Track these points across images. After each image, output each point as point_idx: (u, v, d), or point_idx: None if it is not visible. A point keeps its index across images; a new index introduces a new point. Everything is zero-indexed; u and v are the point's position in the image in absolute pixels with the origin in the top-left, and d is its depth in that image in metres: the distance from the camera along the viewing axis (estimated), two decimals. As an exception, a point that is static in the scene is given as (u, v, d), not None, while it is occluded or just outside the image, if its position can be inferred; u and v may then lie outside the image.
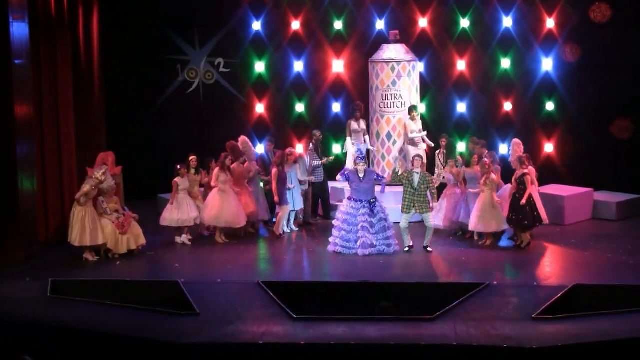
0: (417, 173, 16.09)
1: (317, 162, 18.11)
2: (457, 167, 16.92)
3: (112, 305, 13.20)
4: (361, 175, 16.17)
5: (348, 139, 18.81)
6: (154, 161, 20.11)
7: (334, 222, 16.44)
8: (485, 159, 16.50)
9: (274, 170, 17.16)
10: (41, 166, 16.81)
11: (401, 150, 18.76)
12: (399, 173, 16.38)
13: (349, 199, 16.32)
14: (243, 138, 17.84)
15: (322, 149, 18.51)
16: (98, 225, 15.62)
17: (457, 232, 17.20)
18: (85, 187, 15.66)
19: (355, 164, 16.37)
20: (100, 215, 15.77)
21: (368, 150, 18.67)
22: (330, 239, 16.27)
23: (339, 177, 16.65)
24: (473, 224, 16.43)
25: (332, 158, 18.83)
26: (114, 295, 13.56)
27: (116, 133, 19.49)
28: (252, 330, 12.02)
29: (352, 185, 16.25)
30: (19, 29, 15.56)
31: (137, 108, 20.52)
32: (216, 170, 16.90)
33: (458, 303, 12.98)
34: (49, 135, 17.10)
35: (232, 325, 12.20)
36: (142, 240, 16.18)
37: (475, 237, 16.68)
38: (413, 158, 16.45)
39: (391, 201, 17.43)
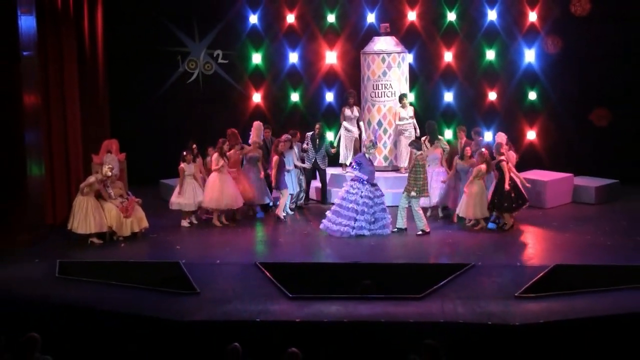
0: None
1: (306, 147, 18.10)
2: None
3: (116, 285, 13.19)
4: (370, 158, 16.26)
5: (343, 123, 18.83)
6: (156, 148, 20.12)
7: (352, 207, 16.01)
8: (483, 150, 16.48)
9: (275, 158, 17.13)
10: (49, 153, 16.80)
11: (391, 137, 18.81)
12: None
13: (364, 183, 16.04)
14: (258, 123, 17.81)
15: (321, 140, 18.42)
16: (100, 213, 15.57)
17: (438, 217, 17.21)
18: (91, 179, 15.62)
19: (366, 147, 16.34)
20: (104, 200, 15.74)
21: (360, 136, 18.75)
22: (351, 224, 15.96)
23: (349, 169, 16.55)
24: (463, 211, 16.42)
25: (334, 149, 18.82)
26: (119, 276, 13.54)
27: (120, 121, 19.50)
28: (249, 309, 12.01)
29: (367, 170, 16.09)
30: (27, 22, 15.52)
31: (140, 98, 20.49)
32: (215, 155, 16.88)
33: (445, 282, 13.00)
34: (56, 123, 17.10)
35: (230, 304, 12.20)
36: (145, 224, 16.16)
37: (467, 222, 16.64)
38: (417, 145, 16.44)
39: (382, 186, 17.42)
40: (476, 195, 16.20)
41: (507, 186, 15.95)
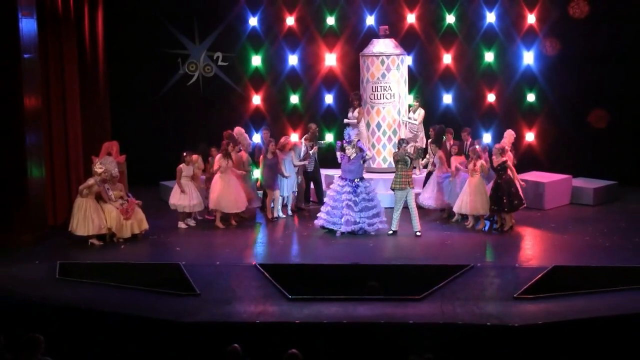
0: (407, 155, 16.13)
1: (309, 150, 18.08)
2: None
3: (116, 286, 13.19)
4: (351, 156, 16.19)
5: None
6: (156, 150, 20.07)
7: (324, 199, 16.63)
8: (477, 146, 16.55)
9: (261, 157, 17.19)
10: (49, 154, 16.79)
11: (390, 139, 18.82)
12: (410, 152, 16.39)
13: (339, 177, 16.38)
14: (238, 129, 17.83)
15: (316, 140, 18.43)
16: (99, 215, 15.55)
17: (443, 216, 17.24)
18: (90, 181, 15.62)
19: (343, 147, 16.35)
20: (104, 202, 15.72)
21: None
22: (318, 214, 16.37)
23: (338, 153, 16.66)
24: (457, 206, 16.44)
25: (324, 142, 18.84)
26: (119, 277, 13.53)
27: (120, 123, 19.49)
28: (249, 310, 12.01)
29: (342, 165, 16.29)
30: (28, 25, 15.51)
31: (140, 99, 20.47)
32: (218, 157, 16.89)
33: (444, 284, 12.98)
34: (56, 125, 17.09)
35: (230, 305, 12.20)
36: (145, 225, 16.14)
37: (467, 222, 16.65)
38: (399, 143, 16.47)
39: (381, 188, 17.41)
40: (475, 188, 16.19)
41: (522, 184, 16.15)
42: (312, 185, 18.47)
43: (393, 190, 16.20)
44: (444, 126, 17.90)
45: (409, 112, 18.82)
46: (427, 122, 18.65)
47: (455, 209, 16.64)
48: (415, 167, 17.49)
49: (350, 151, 16.20)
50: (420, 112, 18.75)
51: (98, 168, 15.65)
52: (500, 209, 16.15)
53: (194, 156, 16.89)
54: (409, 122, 18.70)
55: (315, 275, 13.85)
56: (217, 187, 16.83)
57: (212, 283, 13.29)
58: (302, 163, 17.88)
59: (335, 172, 17.42)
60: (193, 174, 16.88)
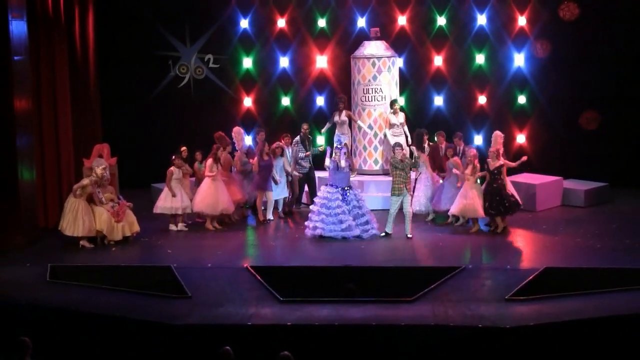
0: (402, 160, 16.07)
1: (302, 154, 18.03)
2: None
3: (108, 289, 13.15)
4: (342, 164, 16.14)
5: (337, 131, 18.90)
6: (147, 152, 20.03)
7: (311, 207, 16.37)
8: (471, 150, 16.55)
9: (255, 159, 17.22)
10: (40, 157, 16.76)
11: (382, 141, 18.79)
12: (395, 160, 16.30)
13: (326, 184, 16.30)
14: (237, 128, 17.84)
15: (309, 141, 18.42)
16: (90, 217, 15.51)
17: (434, 219, 17.22)
18: (85, 181, 15.58)
19: (335, 154, 16.31)
20: (95, 204, 15.68)
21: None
22: (309, 224, 16.11)
23: (327, 163, 16.56)
24: (456, 209, 16.42)
25: (321, 148, 18.75)
26: (110, 280, 13.51)
27: (111, 125, 19.43)
28: (241, 312, 11.99)
29: (331, 172, 16.23)
30: (18, 27, 15.48)
31: (131, 102, 20.42)
32: (209, 161, 16.85)
33: (436, 285, 12.98)
34: (47, 127, 17.06)
35: (222, 308, 12.18)
36: (136, 228, 16.11)
37: (460, 223, 16.67)
38: (393, 147, 16.43)
39: (373, 189, 17.41)
40: (470, 192, 16.22)
41: (510, 189, 16.04)
42: (305, 188, 18.47)
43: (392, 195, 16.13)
44: (424, 130, 17.84)
45: (392, 113, 18.62)
46: (419, 124, 18.62)
47: (453, 212, 16.59)
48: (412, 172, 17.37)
49: (337, 156, 16.16)
50: (402, 116, 18.67)
51: (102, 170, 15.62)
52: (496, 212, 16.16)
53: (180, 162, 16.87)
54: (392, 129, 18.57)
55: (306, 278, 13.83)
56: (201, 189, 16.82)
57: (204, 285, 13.27)
58: (291, 171, 17.81)
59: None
60: (182, 176, 16.88)
